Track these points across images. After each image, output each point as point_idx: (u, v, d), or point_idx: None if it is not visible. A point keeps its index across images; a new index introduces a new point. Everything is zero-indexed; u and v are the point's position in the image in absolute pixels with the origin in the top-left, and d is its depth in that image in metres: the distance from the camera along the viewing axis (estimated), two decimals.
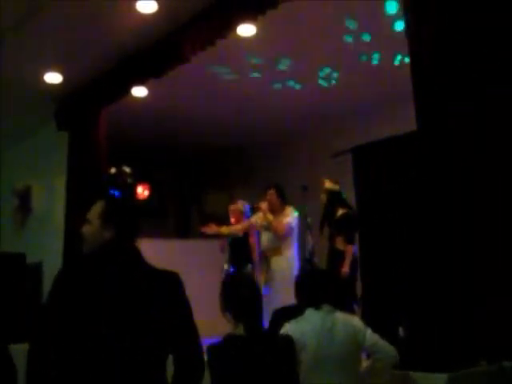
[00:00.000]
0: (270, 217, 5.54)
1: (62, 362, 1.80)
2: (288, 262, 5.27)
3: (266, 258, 5.61)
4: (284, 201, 5.60)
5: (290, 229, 5.43)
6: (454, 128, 3.23)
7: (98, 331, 1.80)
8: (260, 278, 5.49)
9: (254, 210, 5.72)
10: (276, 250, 5.50)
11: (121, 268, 1.91)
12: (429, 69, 3.39)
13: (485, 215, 3.07)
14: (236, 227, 5.98)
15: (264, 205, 5.58)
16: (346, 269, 5.09)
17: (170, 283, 1.98)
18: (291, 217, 5.46)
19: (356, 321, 3.04)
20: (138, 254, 1.97)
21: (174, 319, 1.93)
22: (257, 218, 5.75)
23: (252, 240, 5.96)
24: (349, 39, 5.41)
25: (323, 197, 5.49)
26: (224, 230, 5.99)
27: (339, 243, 5.28)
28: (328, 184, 5.44)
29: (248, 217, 6.05)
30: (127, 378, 1.81)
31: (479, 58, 3.19)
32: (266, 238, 5.67)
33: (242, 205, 6.16)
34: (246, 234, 5.98)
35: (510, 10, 3.14)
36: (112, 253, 1.94)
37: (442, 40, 3.34)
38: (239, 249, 5.99)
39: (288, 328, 2.95)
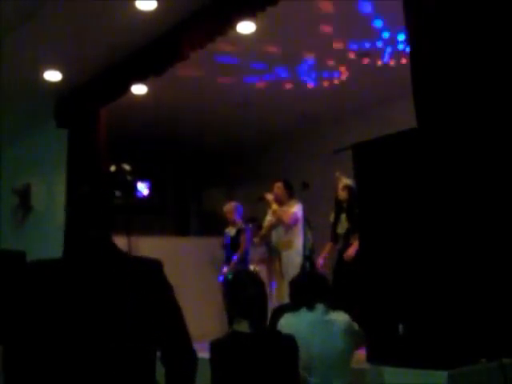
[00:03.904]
0: (275, 206, 5.62)
1: (39, 366, 1.69)
2: (300, 255, 5.25)
3: (277, 253, 5.64)
4: (291, 195, 5.65)
5: (296, 218, 5.43)
6: (454, 125, 3.23)
7: (73, 334, 1.68)
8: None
9: (260, 199, 5.77)
10: (287, 243, 5.53)
11: (91, 262, 1.79)
12: (428, 67, 3.39)
13: (485, 212, 3.07)
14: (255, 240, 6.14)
15: (270, 196, 5.65)
16: (351, 252, 4.98)
17: (148, 271, 1.84)
18: (297, 208, 5.46)
19: (344, 316, 3.06)
20: (108, 245, 1.85)
21: (155, 310, 1.79)
22: (266, 221, 5.86)
23: (243, 237, 6.08)
24: (349, 37, 5.41)
25: (343, 193, 5.38)
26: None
27: (353, 240, 5.15)
28: (347, 181, 5.34)
29: (240, 216, 6.22)
30: (112, 380, 1.69)
31: (479, 56, 3.19)
32: (276, 233, 5.73)
33: (234, 205, 6.31)
34: (238, 233, 6.11)
35: (509, 9, 3.14)
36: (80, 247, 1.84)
37: (441, 39, 3.34)
38: (233, 249, 6.12)
39: (283, 322, 2.99)
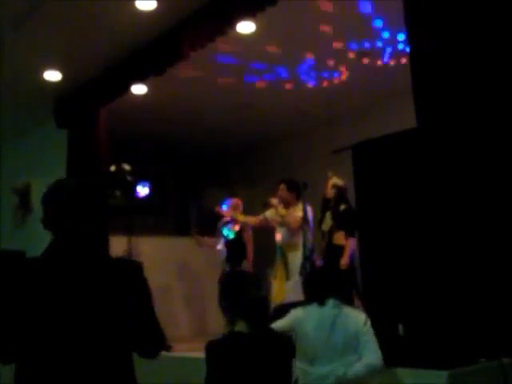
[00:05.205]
0: (282, 211, 5.56)
1: (23, 365, 1.70)
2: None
3: (282, 253, 5.65)
4: (297, 195, 5.50)
5: (301, 222, 5.42)
6: (454, 125, 3.23)
7: (52, 331, 1.68)
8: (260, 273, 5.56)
9: (265, 205, 5.75)
10: (292, 245, 5.53)
11: (70, 261, 1.79)
12: (428, 67, 3.39)
13: (485, 212, 3.07)
14: (252, 219, 6.06)
15: (274, 200, 5.61)
16: (345, 261, 5.09)
17: (128, 273, 1.83)
18: (302, 211, 5.44)
19: (360, 315, 3.08)
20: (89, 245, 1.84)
21: (131, 311, 1.77)
22: (270, 214, 5.79)
23: (246, 236, 6.09)
24: (349, 37, 5.41)
25: (331, 192, 5.45)
26: (240, 217, 6.11)
27: (338, 238, 5.28)
28: (337, 180, 5.44)
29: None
30: (90, 375, 1.69)
31: (479, 56, 3.19)
32: (281, 233, 5.70)
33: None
34: (241, 232, 6.12)
35: (509, 9, 3.14)
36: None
37: (441, 38, 3.34)
38: (235, 247, 6.10)
39: (293, 313, 3.10)
